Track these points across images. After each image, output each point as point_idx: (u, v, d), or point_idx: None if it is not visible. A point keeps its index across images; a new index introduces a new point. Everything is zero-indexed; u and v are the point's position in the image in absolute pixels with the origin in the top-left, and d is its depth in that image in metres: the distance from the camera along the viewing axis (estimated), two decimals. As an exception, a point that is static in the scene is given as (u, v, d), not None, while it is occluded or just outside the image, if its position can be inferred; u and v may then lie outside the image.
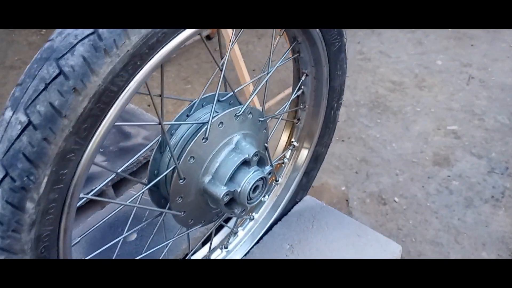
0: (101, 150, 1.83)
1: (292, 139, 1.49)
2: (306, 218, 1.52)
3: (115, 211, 1.08)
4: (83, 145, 0.81)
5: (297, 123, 1.46)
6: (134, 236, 1.54)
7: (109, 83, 0.77)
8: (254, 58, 3.47)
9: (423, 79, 3.14)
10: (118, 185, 1.80)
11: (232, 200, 1.15)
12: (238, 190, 1.12)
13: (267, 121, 1.24)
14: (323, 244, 1.45)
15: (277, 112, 1.36)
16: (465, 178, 2.47)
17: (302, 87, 1.38)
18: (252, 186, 1.12)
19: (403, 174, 2.52)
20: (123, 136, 1.87)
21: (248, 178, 1.12)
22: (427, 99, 2.96)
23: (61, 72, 0.74)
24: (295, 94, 1.37)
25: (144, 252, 1.24)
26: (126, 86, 0.81)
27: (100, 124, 0.81)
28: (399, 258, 1.45)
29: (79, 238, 1.01)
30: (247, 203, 1.14)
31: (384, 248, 1.42)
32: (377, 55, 3.42)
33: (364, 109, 2.93)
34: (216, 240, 1.48)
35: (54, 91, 0.74)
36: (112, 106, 0.81)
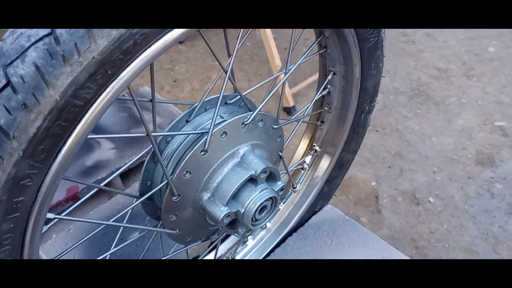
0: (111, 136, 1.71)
1: (314, 144, 1.31)
2: (325, 231, 1.36)
3: (98, 230, 0.95)
4: (42, 168, 0.66)
5: (320, 126, 1.28)
6: (136, 236, 1.42)
7: (71, 97, 0.62)
8: (287, 35, 3.24)
9: (472, 67, 2.85)
10: (127, 174, 1.68)
11: (235, 220, 0.99)
12: (242, 211, 0.96)
13: (283, 127, 1.06)
14: (342, 263, 1.28)
15: (297, 114, 1.19)
16: (510, 182, 2.24)
17: (328, 86, 1.19)
18: (259, 207, 0.96)
19: (441, 173, 2.31)
20: (135, 122, 1.74)
21: (254, 198, 0.96)
22: (475, 90, 2.69)
23: (8, 83, 0.59)
24: (319, 94, 1.19)
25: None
26: (96, 99, 0.65)
27: (64, 143, 0.66)
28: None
29: (56, 258, 0.88)
30: (252, 225, 0.99)
31: (411, 274, 1.25)
32: (423, 37, 3.14)
33: (403, 98, 2.69)
34: (223, 248, 1.34)
35: (0, 106, 0.59)
36: (79, 122, 0.66)
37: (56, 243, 1.39)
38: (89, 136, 0.72)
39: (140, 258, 1.09)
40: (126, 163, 1.47)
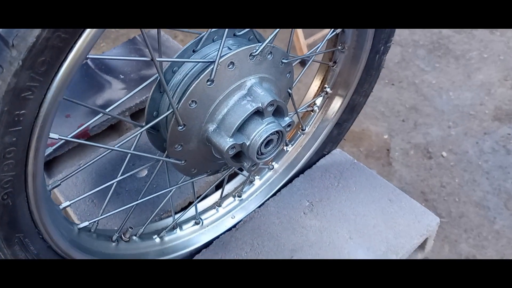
0: (121, 76, 1.71)
1: (325, 85, 1.29)
2: (332, 174, 1.35)
3: (103, 154, 0.95)
4: (43, 82, 0.66)
5: (332, 66, 1.25)
6: (145, 172, 1.44)
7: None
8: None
9: (496, 21, 2.75)
10: (138, 115, 1.68)
11: (241, 153, 0.99)
12: (247, 144, 0.95)
13: (293, 64, 1.04)
14: (347, 205, 1.28)
15: (308, 53, 1.16)
16: (528, 139, 2.19)
17: (342, 24, 1.15)
18: (264, 140, 0.96)
19: (456, 127, 2.27)
20: (145, 63, 1.72)
21: (260, 130, 0.95)
22: (498, 44, 2.60)
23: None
24: (333, 32, 1.15)
25: (146, 197, 1.12)
26: (98, 12, 0.64)
27: (64, 58, 0.66)
28: (435, 232, 1.27)
29: (60, 181, 0.89)
30: (257, 158, 0.98)
31: (419, 219, 1.24)
32: (447, -11, 3.02)
33: (422, 51, 2.62)
34: (229, 187, 1.35)
35: (-1, 12, 0.58)
36: (79, 37, 0.65)
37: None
38: (89, 56, 0.71)
39: (145, 190, 1.10)
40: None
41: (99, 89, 1.67)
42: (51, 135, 0.77)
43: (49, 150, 0.81)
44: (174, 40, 1.88)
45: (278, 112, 1.00)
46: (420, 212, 1.26)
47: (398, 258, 1.17)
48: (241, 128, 0.95)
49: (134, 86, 1.64)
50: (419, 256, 1.32)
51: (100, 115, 0.89)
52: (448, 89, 2.44)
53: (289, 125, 1.01)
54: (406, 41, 2.68)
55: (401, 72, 2.53)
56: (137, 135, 0.97)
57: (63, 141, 0.82)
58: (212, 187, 1.28)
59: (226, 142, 0.94)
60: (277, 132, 0.97)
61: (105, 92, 1.67)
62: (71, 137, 0.83)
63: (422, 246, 1.28)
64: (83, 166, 0.90)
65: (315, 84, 1.31)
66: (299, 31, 2.48)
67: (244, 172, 1.31)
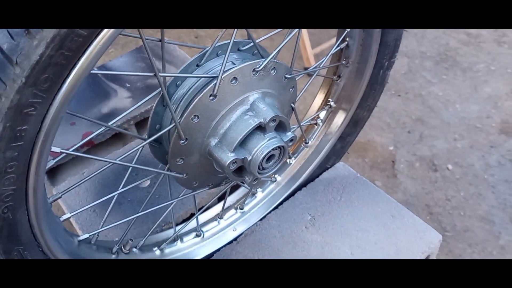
0: (127, 85, 1.71)
1: (329, 99, 1.29)
2: (335, 188, 1.35)
3: (106, 167, 0.96)
4: (46, 98, 0.66)
5: (337, 80, 1.25)
6: (148, 182, 1.44)
7: (74, 26, 0.61)
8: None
9: (504, 34, 2.73)
10: (142, 124, 1.69)
11: (242, 168, 0.99)
12: (249, 159, 0.95)
13: (297, 78, 1.04)
14: (350, 220, 1.28)
15: (312, 67, 1.16)
16: (535, 153, 2.18)
17: (347, 39, 1.15)
18: (266, 155, 0.96)
19: (463, 140, 2.26)
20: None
21: (262, 146, 0.95)
22: (506, 57, 2.59)
23: None
24: (337, 46, 1.15)
25: (147, 209, 1.12)
26: (101, 31, 0.64)
27: (67, 75, 0.66)
28: (437, 249, 1.26)
29: (61, 194, 0.90)
30: (259, 173, 0.98)
31: (421, 236, 1.23)
32: (455, 0, 3.01)
33: (429, 62, 2.61)
34: (231, 199, 1.35)
35: (3, 31, 0.59)
36: (83, 54, 0.65)
37: (70, 185, 1.41)
38: (92, 71, 0.71)
39: (146, 202, 1.10)
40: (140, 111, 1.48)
41: (105, 97, 1.68)
42: (53, 148, 0.77)
43: (51, 163, 0.81)
44: (181, 49, 1.89)
45: (281, 127, 1.00)
46: (423, 229, 1.25)
47: (400, 275, 1.16)
48: (243, 143, 0.95)
49: (140, 95, 1.65)
50: (421, 272, 1.30)
51: (103, 128, 0.89)
52: (454, 101, 2.43)
53: (291, 140, 1.01)
54: (413, 52, 2.67)
55: (408, 83, 2.53)
56: (139, 148, 0.98)
57: (62, 155, 0.82)
58: (214, 199, 1.28)
59: (227, 157, 0.94)
60: (278, 147, 0.97)
61: (111, 100, 1.68)
62: (74, 149, 0.83)
63: (424, 262, 1.27)
64: (85, 178, 0.91)
65: (319, 98, 1.31)
66: (306, 41, 2.48)
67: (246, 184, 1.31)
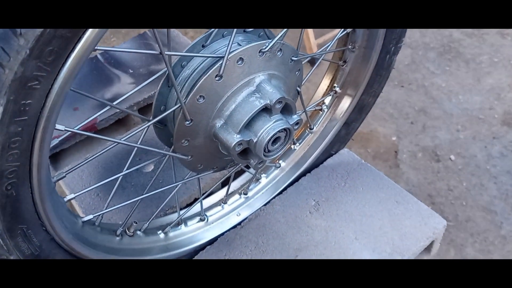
0: (130, 71, 1.70)
1: (335, 84, 1.28)
2: (339, 174, 1.34)
3: (110, 147, 0.95)
4: (50, 72, 0.65)
5: (342, 65, 1.24)
6: (151, 167, 1.43)
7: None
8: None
9: (508, 25, 2.72)
10: (145, 109, 1.67)
11: (248, 150, 0.98)
12: (254, 140, 0.94)
13: (303, 62, 1.03)
14: (354, 206, 1.27)
15: (318, 51, 1.14)
16: (537, 144, 2.17)
17: (353, 22, 1.14)
18: (272, 137, 0.95)
19: (465, 131, 2.25)
20: (154, 59, 1.72)
21: (268, 128, 0.94)
22: (509, 49, 2.58)
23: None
24: (343, 30, 1.14)
25: (152, 192, 1.11)
26: None
27: (73, 48, 0.65)
28: (441, 235, 1.25)
29: (65, 173, 0.89)
30: (264, 155, 0.97)
31: (425, 221, 1.23)
32: (459, -9, 2.99)
33: (432, 53, 2.60)
34: (235, 184, 1.34)
35: (8, 0, 0.58)
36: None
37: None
38: (97, 47, 0.70)
39: (150, 185, 1.09)
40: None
41: (107, 83, 1.67)
42: (58, 126, 0.76)
43: (55, 141, 0.80)
44: (185, 36, 1.88)
45: (287, 110, 0.99)
46: (427, 215, 1.24)
47: (404, 260, 1.15)
48: (248, 125, 0.94)
49: (143, 80, 1.62)
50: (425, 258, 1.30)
51: (108, 107, 0.88)
52: (457, 92, 2.42)
53: (297, 123, 1.01)
54: (417, 43, 2.66)
55: (411, 74, 2.51)
56: (144, 129, 0.97)
57: (70, 133, 0.81)
58: (218, 183, 1.27)
59: (233, 139, 0.93)
60: (284, 129, 0.96)
61: (113, 86, 1.66)
62: (76, 130, 0.82)
63: (428, 249, 1.27)
64: (89, 158, 0.90)
65: (324, 83, 1.30)
66: (310, 31, 2.46)
67: (251, 170, 1.30)
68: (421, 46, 2.64)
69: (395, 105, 2.38)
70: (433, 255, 1.30)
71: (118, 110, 1.55)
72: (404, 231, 1.20)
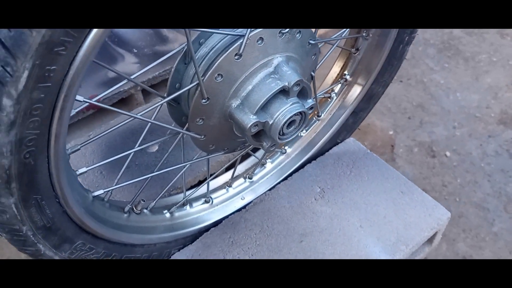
0: (135, 50, 1.68)
1: (345, 72, 1.27)
2: (345, 162, 1.34)
3: (123, 123, 0.93)
4: (77, 38, 0.64)
5: (355, 53, 1.24)
6: (156, 147, 1.42)
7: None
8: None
9: (508, 25, 2.75)
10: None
11: (262, 132, 0.97)
12: (270, 122, 0.94)
13: (319, 45, 1.02)
14: (359, 194, 1.28)
15: (333, 37, 1.14)
16: (532, 144, 2.20)
17: (369, 10, 1.13)
18: (288, 120, 0.94)
19: (462, 128, 2.27)
20: (160, 39, 1.70)
21: (284, 110, 0.93)
22: (508, 49, 2.60)
23: None
24: (358, 17, 1.13)
25: (161, 170, 1.10)
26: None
27: (102, 15, 0.63)
28: (445, 226, 1.26)
29: (79, 146, 0.87)
30: (279, 138, 0.97)
31: (430, 212, 1.24)
32: (460, -10, 3.01)
33: (432, 50, 2.61)
34: (240, 168, 1.33)
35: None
36: (120, -7, 0.63)
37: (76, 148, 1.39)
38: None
39: (160, 165, 1.08)
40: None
41: (111, 62, 1.65)
42: (77, 97, 0.75)
43: (72, 112, 0.79)
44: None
45: (302, 94, 0.98)
46: (432, 206, 1.25)
47: (408, 249, 1.16)
48: (265, 107, 0.93)
49: (147, 61, 1.62)
50: (426, 250, 1.31)
51: (125, 81, 0.87)
52: (455, 89, 2.43)
53: (311, 108, 1.00)
54: (417, 39, 2.66)
55: (410, 69, 2.52)
56: (158, 106, 0.95)
57: (87, 104, 0.80)
58: (224, 167, 1.26)
59: (249, 119, 0.92)
60: (300, 113, 0.96)
61: (117, 65, 1.64)
62: (93, 101, 0.81)
63: (430, 240, 1.28)
64: (106, 131, 0.88)
65: (334, 71, 1.29)
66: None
67: (257, 154, 1.30)
68: (422, 42, 2.65)
69: (393, 100, 2.39)
70: (434, 246, 1.31)
71: (122, 90, 1.54)
72: (408, 220, 1.21)
